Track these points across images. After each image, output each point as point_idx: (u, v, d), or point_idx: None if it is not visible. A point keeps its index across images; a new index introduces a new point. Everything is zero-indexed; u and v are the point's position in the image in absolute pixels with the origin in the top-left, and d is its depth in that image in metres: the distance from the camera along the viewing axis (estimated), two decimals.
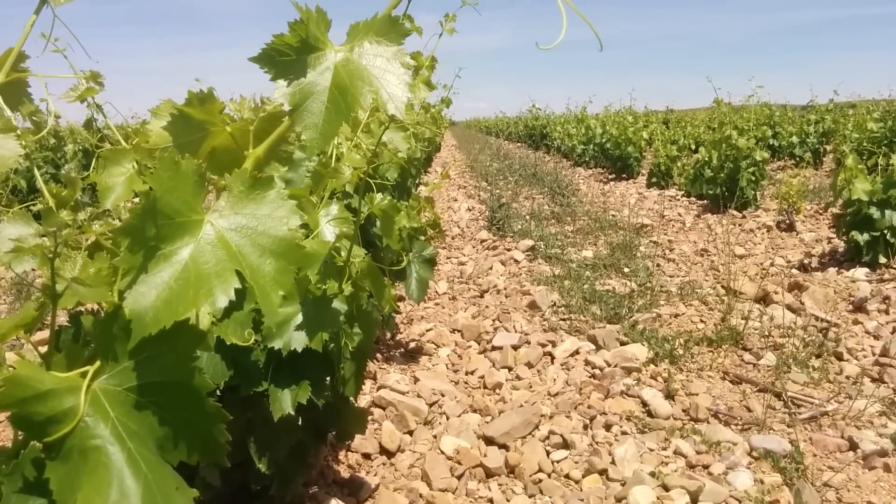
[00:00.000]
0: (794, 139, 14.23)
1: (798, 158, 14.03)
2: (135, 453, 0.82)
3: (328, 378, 1.99)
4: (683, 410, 3.22)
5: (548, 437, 2.96)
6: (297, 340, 1.70)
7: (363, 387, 2.13)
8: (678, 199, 10.30)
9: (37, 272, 1.09)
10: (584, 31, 0.98)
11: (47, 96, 1.16)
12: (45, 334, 3.48)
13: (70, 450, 0.81)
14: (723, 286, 5.23)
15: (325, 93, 0.89)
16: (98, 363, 0.85)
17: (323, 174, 2.06)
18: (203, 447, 0.86)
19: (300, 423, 2.05)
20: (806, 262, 5.98)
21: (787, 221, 7.50)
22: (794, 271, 5.72)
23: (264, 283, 0.84)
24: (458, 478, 2.67)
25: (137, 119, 14.36)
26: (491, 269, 6.04)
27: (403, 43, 0.91)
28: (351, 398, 2.10)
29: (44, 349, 0.98)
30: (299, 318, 1.74)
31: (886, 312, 4.42)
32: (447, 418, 3.17)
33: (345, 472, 2.67)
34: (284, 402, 1.80)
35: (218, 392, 1.73)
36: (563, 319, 4.60)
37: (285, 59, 0.88)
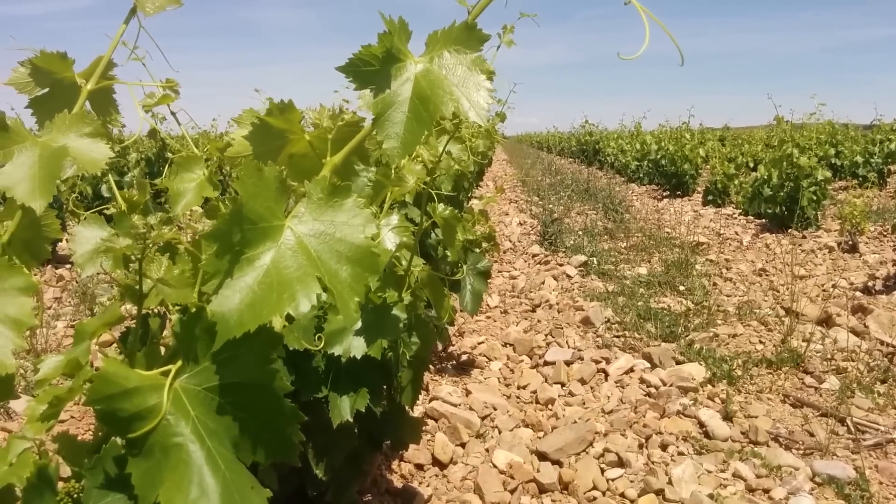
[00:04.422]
0: (858, 159, 13.82)
1: (861, 178, 13.61)
2: (213, 452, 0.84)
3: (385, 386, 2.00)
4: (742, 433, 3.14)
5: (602, 455, 2.92)
6: (357, 347, 1.71)
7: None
8: (735, 218, 10.10)
9: (100, 275, 1.12)
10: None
11: (136, 104, 1.20)
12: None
13: (152, 446, 0.83)
14: (783, 307, 5.11)
15: (407, 103, 0.90)
16: (179, 363, 0.88)
17: (385, 183, 2.08)
18: (277, 447, 0.87)
19: (357, 430, 2.06)
20: (870, 284, 5.80)
21: (850, 242, 7.28)
22: (858, 293, 5.55)
23: (342, 289, 0.85)
24: (511, 492, 2.66)
25: (198, 129, 14.71)
26: (543, 283, 6.01)
27: (482, 49, 0.92)
28: (407, 407, 2.11)
29: (108, 349, 1.01)
30: (359, 325, 1.75)
31: None
32: (499, 432, 3.16)
33: (398, 482, 2.68)
34: (343, 408, 1.81)
35: None
36: (617, 336, 4.54)
37: (369, 69, 0.90)
